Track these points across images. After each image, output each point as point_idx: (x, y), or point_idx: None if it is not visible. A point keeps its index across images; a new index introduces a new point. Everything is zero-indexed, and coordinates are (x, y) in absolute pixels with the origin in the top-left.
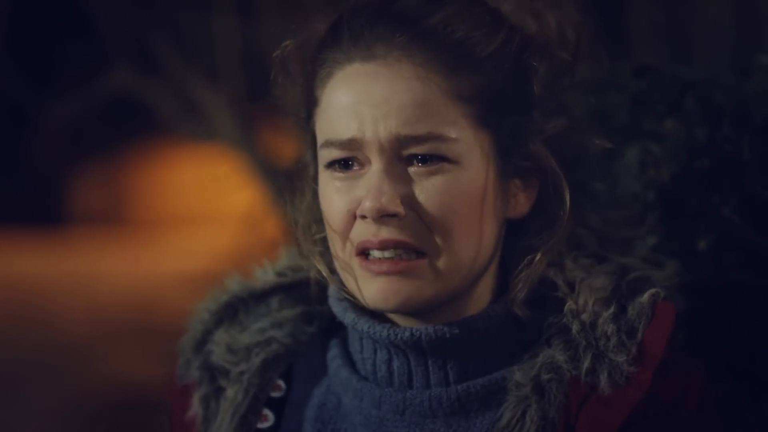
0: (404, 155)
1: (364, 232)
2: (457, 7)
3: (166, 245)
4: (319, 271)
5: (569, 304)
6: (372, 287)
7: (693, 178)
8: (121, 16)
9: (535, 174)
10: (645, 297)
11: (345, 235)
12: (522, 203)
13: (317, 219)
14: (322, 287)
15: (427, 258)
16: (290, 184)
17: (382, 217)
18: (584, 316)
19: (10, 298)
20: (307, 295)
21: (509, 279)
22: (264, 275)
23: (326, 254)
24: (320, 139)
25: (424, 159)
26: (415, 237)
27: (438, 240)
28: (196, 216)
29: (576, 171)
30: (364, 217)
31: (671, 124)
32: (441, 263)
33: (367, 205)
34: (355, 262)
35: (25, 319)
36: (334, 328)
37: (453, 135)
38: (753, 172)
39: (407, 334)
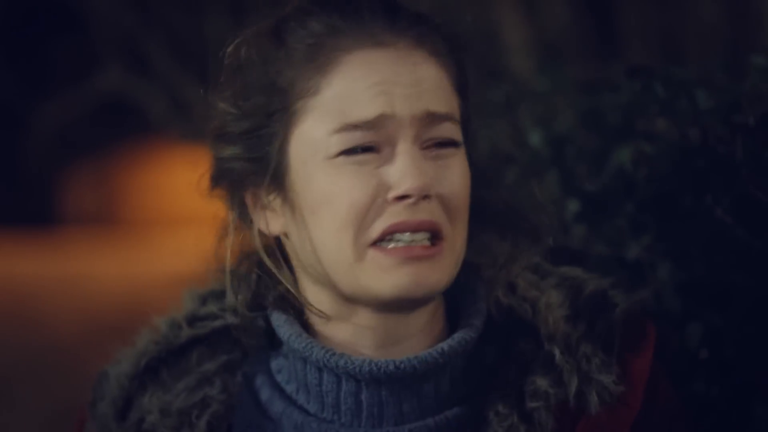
0: (424, 137)
1: (395, 214)
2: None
3: (159, 246)
4: (243, 311)
5: (543, 329)
6: (399, 274)
7: (686, 179)
8: (112, 17)
9: None
10: (617, 312)
11: (361, 224)
12: None
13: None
14: (238, 334)
15: (445, 243)
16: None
17: (419, 198)
18: (559, 339)
19: (1, 298)
20: (225, 343)
21: (460, 300)
22: (175, 329)
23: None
24: (330, 126)
25: (442, 143)
26: (441, 220)
27: (454, 224)
28: (188, 217)
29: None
30: (402, 198)
31: (664, 125)
32: (454, 249)
33: (411, 184)
34: (371, 253)
35: (17, 319)
36: (254, 369)
37: (458, 119)
38: (745, 172)
39: (391, 367)
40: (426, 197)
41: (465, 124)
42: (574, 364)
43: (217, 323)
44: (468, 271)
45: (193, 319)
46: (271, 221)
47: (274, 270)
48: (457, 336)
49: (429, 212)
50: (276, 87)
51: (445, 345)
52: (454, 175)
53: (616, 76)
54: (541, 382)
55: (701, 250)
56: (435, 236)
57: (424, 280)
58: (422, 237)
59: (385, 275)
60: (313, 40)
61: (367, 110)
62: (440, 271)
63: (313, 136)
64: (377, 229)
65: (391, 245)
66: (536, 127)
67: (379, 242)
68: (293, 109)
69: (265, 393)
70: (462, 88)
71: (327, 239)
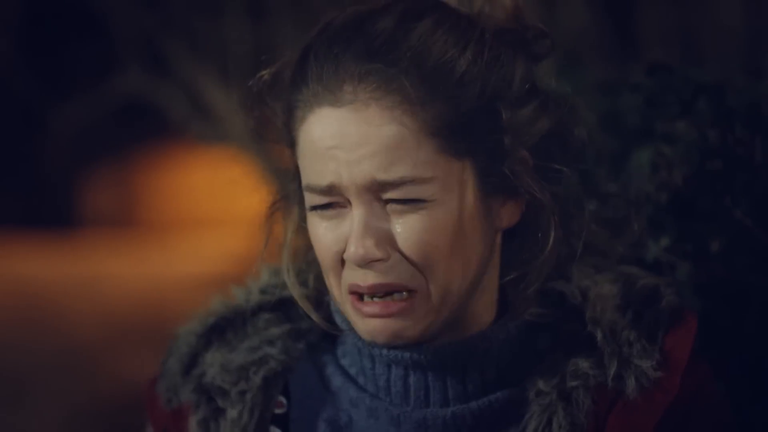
0: (383, 197)
1: (352, 275)
2: (426, 28)
3: (177, 248)
4: (302, 301)
5: (589, 312)
6: (365, 326)
7: (705, 180)
8: (132, 18)
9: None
10: (663, 303)
11: (337, 273)
12: (512, 212)
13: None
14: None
15: (418, 294)
16: (273, 210)
17: (369, 262)
18: (604, 324)
19: (19, 300)
20: (292, 312)
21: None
22: (247, 294)
23: (314, 279)
24: (303, 180)
25: (401, 201)
26: (402, 277)
27: (426, 276)
28: (207, 219)
29: (557, 181)
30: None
31: (683, 126)
32: (432, 297)
33: (352, 253)
34: (348, 300)
35: (35, 321)
36: (320, 343)
37: (429, 174)
38: (765, 174)
39: (430, 352)
40: (379, 260)
41: (475, 149)
42: (615, 348)
43: (287, 293)
44: (520, 260)
45: (265, 288)
46: None
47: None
48: (500, 323)
49: (383, 274)
50: (285, 132)
51: (487, 331)
52: (414, 231)
53: (635, 76)
54: (582, 364)
55: (720, 252)
56: (405, 290)
57: (385, 333)
58: (384, 295)
59: (359, 322)
60: (294, 93)
61: (320, 178)
62: (411, 323)
63: (303, 183)
64: (345, 283)
65: (363, 298)
66: None
67: (351, 293)
68: (294, 153)
69: (329, 369)
70: (450, 126)
71: (324, 275)
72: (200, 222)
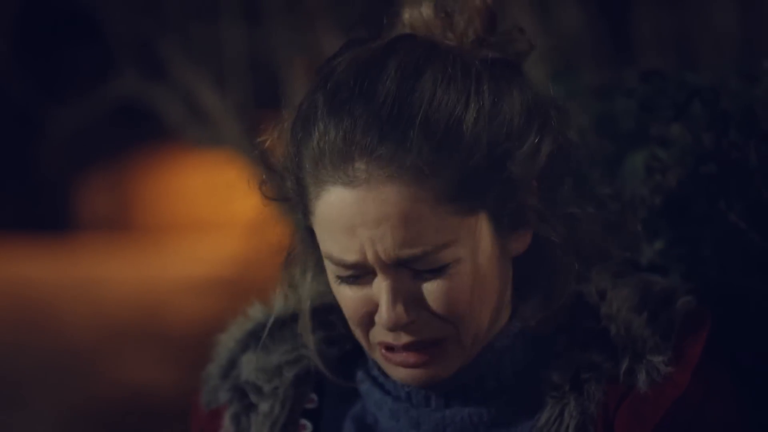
0: (408, 266)
1: (383, 334)
2: (428, 88)
3: (173, 251)
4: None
5: (604, 309)
6: (398, 373)
7: (699, 184)
8: (128, 22)
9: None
10: (678, 304)
11: (365, 330)
12: (522, 242)
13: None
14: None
15: (449, 340)
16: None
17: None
18: (619, 321)
19: (16, 303)
20: (327, 320)
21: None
22: (284, 301)
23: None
24: (323, 248)
25: (427, 270)
26: (433, 331)
27: (456, 326)
28: (202, 222)
29: (564, 194)
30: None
31: (678, 130)
32: (462, 340)
33: (384, 321)
34: (378, 350)
35: (31, 324)
36: (353, 351)
37: (449, 239)
38: (759, 177)
39: (449, 379)
40: (410, 322)
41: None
42: (629, 344)
43: (322, 300)
44: (535, 283)
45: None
46: None
47: None
48: (505, 332)
49: (415, 332)
50: (297, 193)
51: (494, 342)
52: (443, 291)
53: (630, 80)
54: (596, 357)
55: (715, 255)
56: (433, 343)
57: (423, 379)
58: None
59: (391, 369)
60: (308, 164)
61: (344, 255)
62: (443, 366)
63: (323, 251)
64: (375, 339)
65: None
66: None
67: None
68: (309, 218)
69: (359, 375)
70: (464, 187)
71: (350, 325)
72: (196, 225)
